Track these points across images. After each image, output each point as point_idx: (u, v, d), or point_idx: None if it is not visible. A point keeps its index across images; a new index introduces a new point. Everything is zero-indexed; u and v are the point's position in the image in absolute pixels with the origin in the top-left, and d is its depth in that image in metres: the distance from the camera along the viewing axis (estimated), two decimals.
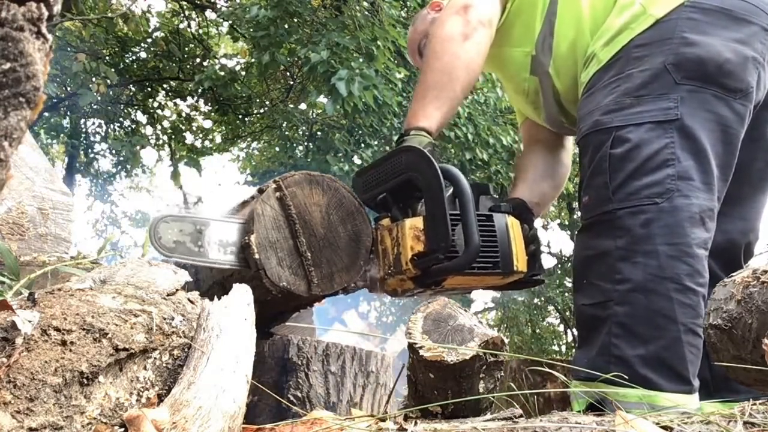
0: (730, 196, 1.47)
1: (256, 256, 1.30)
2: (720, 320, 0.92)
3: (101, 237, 16.64)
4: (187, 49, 9.40)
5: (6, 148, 0.45)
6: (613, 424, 0.81)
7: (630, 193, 1.38)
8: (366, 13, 6.57)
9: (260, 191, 1.37)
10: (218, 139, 10.92)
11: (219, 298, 0.93)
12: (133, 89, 9.76)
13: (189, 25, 9.71)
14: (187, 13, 9.63)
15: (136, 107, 10.25)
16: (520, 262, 1.47)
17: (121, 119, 10.26)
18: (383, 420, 0.99)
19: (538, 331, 11.77)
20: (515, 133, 7.19)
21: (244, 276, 1.33)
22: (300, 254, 1.35)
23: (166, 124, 10.54)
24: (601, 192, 1.43)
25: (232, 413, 0.76)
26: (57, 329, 0.75)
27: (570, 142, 2.00)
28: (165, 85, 10.03)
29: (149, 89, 9.81)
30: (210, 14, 9.60)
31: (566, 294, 10.18)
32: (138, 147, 8.57)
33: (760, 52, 1.43)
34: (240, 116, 9.61)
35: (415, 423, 1.02)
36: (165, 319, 0.87)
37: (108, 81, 7.26)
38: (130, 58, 9.23)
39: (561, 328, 12.10)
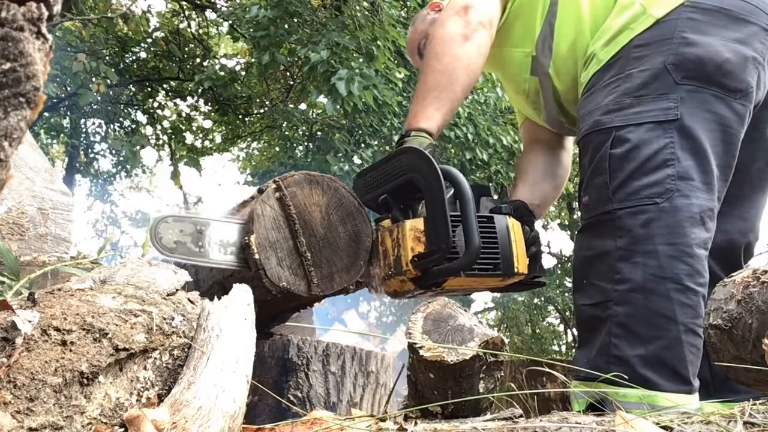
0: (730, 196, 1.47)
1: (256, 256, 1.30)
2: (720, 320, 0.92)
3: (101, 237, 16.65)
4: (187, 49, 9.40)
5: (6, 148, 0.45)
6: (613, 424, 0.81)
7: (630, 193, 1.38)
8: (366, 13, 6.58)
9: (260, 191, 1.37)
10: (218, 139, 10.92)
11: (219, 298, 0.93)
12: (133, 89, 9.77)
13: (189, 25, 9.71)
14: (187, 13, 9.63)
15: (136, 107, 10.25)
16: (520, 263, 1.47)
17: (121, 119, 10.26)
18: (383, 420, 0.99)
19: (538, 331, 11.77)
20: (515, 133, 7.19)
21: (244, 276, 1.33)
22: (300, 254, 1.35)
23: (166, 124, 10.54)
24: (601, 192, 1.43)
25: (232, 413, 0.76)
26: (57, 329, 0.75)
27: (570, 142, 2.00)
28: (165, 85, 10.03)
29: (149, 89, 9.81)
30: (210, 14, 9.61)
31: (566, 294, 10.18)
32: (138, 147, 8.57)
33: (759, 52, 1.43)
34: (240, 116, 9.61)
35: (415, 423, 1.02)
36: (165, 319, 0.87)
37: (108, 81, 7.26)
38: (130, 58, 9.23)
39: (561, 328, 12.10)
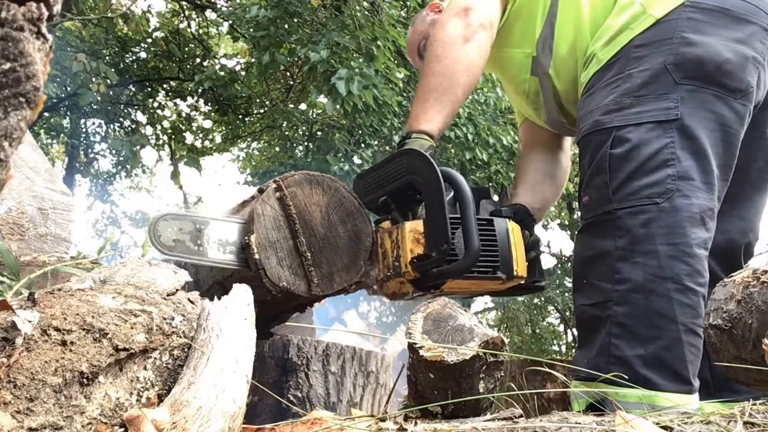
0: (730, 195, 1.47)
1: (256, 256, 1.30)
2: (720, 320, 0.92)
3: (101, 237, 16.66)
4: (187, 49, 9.40)
5: (6, 148, 0.45)
6: (613, 424, 0.81)
7: (630, 193, 1.38)
8: (366, 12, 6.57)
9: (260, 191, 1.37)
10: (218, 139, 10.92)
11: (219, 298, 0.93)
12: (133, 89, 9.76)
13: (189, 25, 9.71)
14: (187, 13, 9.63)
15: (136, 107, 10.25)
16: (520, 267, 1.47)
17: (121, 119, 10.26)
18: (383, 420, 0.99)
19: (538, 331, 11.76)
20: (515, 133, 7.19)
21: (244, 276, 1.33)
22: (300, 254, 1.35)
23: (166, 124, 10.54)
24: (602, 192, 1.43)
25: (232, 413, 0.76)
26: (57, 329, 0.75)
27: (568, 143, 2.01)
28: (165, 85, 10.03)
29: (149, 89, 9.81)
30: (210, 14, 9.61)
31: (566, 294, 10.18)
32: (138, 147, 8.57)
33: (760, 51, 1.43)
34: (240, 116, 9.61)
35: (415, 423, 1.02)
36: (165, 319, 0.87)
37: (108, 81, 7.25)
38: (130, 58, 9.23)
39: (561, 328, 12.10)
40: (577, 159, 1.64)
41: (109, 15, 7.85)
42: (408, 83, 6.97)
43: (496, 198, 1.60)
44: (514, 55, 1.73)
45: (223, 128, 10.32)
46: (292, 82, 8.84)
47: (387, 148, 7.40)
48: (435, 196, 1.38)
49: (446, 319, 1.16)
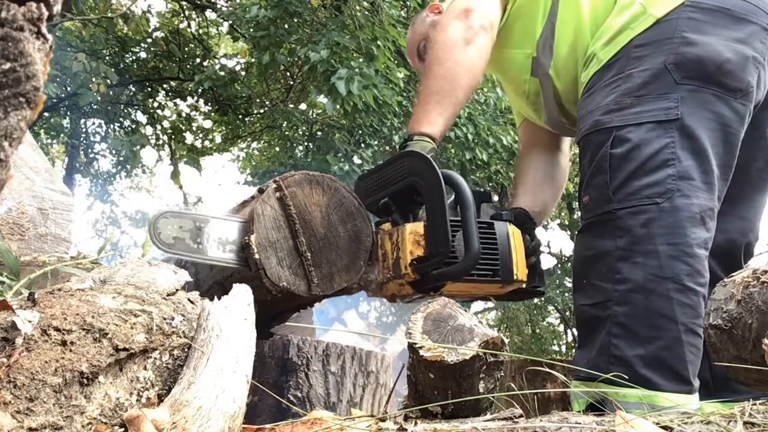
0: (730, 195, 1.47)
1: (256, 256, 1.30)
2: (720, 320, 0.92)
3: (101, 237, 16.66)
4: (187, 49, 9.40)
5: (6, 148, 0.45)
6: (613, 424, 0.81)
7: (630, 193, 1.38)
8: (366, 12, 6.57)
9: (260, 191, 1.37)
10: (218, 139, 10.92)
11: (219, 298, 0.93)
12: (133, 89, 9.76)
13: (189, 25, 9.71)
14: (187, 13, 9.63)
15: (136, 107, 10.25)
16: (520, 271, 1.47)
17: (121, 119, 10.26)
18: (383, 420, 0.99)
19: (538, 331, 11.76)
20: (515, 133, 7.18)
21: (244, 276, 1.33)
22: (300, 254, 1.35)
23: (166, 124, 10.54)
24: (602, 192, 1.43)
25: (232, 413, 0.76)
26: (57, 329, 0.75)
27: (567, 145, 2.01)
28: (165, 85, 10.03)
29: (149, 89, 9.81)
30: (210, 14, 9.61)
31: (566, 294, 10.18)
32: (138, 147, 8.57)
33: (760, 51, 1.43)
34: (240, 116, 9.61)
35: (415, 423, 1.02)
36: (165, 319, 0.87)
37: (108, 81, 7.26)
38: (130, 58, 9.23)
39: (561, 328, 12.09)
40: (577, 159, 1.64)
41: (109, 15, 7.85)
42: (408, 83, 6.97)
43: (496, 198, 1.60)
44: (514, 56, 1.73)
45: (223, 128, 10.32)
46: (292, 82, 8.84)
47: (387, 148, 7.40)
48: (436, 199, 1.38)
49: (446, 319, 1.16)
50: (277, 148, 9.31)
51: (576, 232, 1.66)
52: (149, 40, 9.22)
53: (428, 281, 1.40)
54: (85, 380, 0.73)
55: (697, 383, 1.31)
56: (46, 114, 9.56)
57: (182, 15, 9.63)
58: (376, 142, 7.44)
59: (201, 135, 10.90)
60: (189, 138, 10.73)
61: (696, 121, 1.39)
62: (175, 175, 10.55)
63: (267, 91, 8.63)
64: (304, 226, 1.37)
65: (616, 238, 1.38)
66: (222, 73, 7.55)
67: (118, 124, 10.41)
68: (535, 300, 11.23)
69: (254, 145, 11.06)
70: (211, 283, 1.52)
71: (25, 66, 0.45)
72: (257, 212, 1.33)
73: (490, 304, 12.57)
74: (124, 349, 0.79)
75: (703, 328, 1.12)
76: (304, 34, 6.46)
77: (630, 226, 1.37)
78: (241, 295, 0.96)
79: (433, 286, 1.41)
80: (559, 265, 11.38)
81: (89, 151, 11.43)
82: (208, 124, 10.72)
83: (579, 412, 1.26)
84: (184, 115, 10.60)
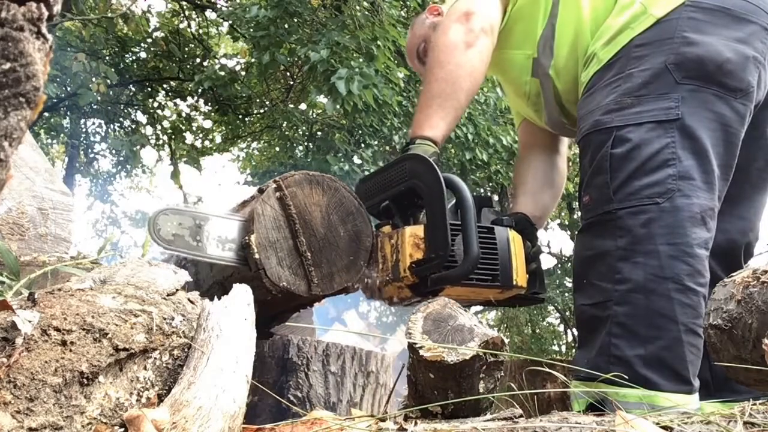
0: (730, 195, 1.47)
1: (256, 255, 1.30)
2: (720, 320, 0.92)
3: (101, 237, 16.66)
4: (187, 49, 9.40)
5: (6, 148, 0.45)
6: (613, 424, 0.81)
7: (631, 192, 1.38)
8: (366, 12, 6.57)
9: (260, 191, 1.37)
10: (218, 139, 10.92)
11: (219, 298, 0.93)
12: (133, 89, 9.76)
13: (189, 25, 9.71)
14: (187, 13, 9.63)
15: (136, 107, 10.25)
16: (519, 276, 1.47)
17: (121, 119, 10.26)
18: (383, 420, 0.99)
19: (538, 331, 11.76)
20: (515, 133, 7.17)
21: (244, 276, 1.33)
22: (300, 254, 1.35)
23: (166, 124, 10.54)
24: (602, 192, 1.43)
25: (232, 413, 0.76)
26: (57, 329, 0.75)
27: (565, 146, 2.01)
28: (165, 85, 10.03)
29: (149, 89, 9.81)
30: (210, 14, 9.61)
31: (566, 294, 10.17)
32: (138, 147, 8.57)
33: (760, 51, 1.43)
34: (240, 116, 9.61)
35: (415, 423, 1.02)
36: (165, 319, 0.87)
37: (108, 81, 7.26)
38: (130, 58, 9.23)
39: (561, 328, 12.09)
40: (577, 159, 1.64)
41: (109, 15, 7.84)
42: (408, 83, 6.97)
43: (496, 198, 1.60)
44: (515, 57, 1.73)
45: (223, 128, 10.32)
46: (292, 82, 8.84)
47: (387, 148, 7.40)
48: (436, 202, 1.38)
49: (446, 319, 1.16)
50: (277, 148, 9.31)
51: (576, 232, 1.66)
52: (149, 40, 9.22)
53: (427, 285, 1.40)
54: (85, 380, 0.73)
55: (697, 383, 1.31)
56: (46, 114, 9.56)
57: (182, 15, 9.63)
58: (376, 142, 7.44)
59: (201, 135, 10.91)
60: (189, 138, 10.74)
61: (696, 121, 1.39)
62: (175, 175, 10.55)
63: (267, 91, 8.63)
64: (304, 226, 1.37)
65: (617, 238, 1.38)
66: (222, 73, 7.55)
67: (118, 124, 10.41)
68: None
69: (254, 145, 11.06)
70: (211, 283, 1.52)
71: (25, 66, 0.45)
72: (257, 212, 1.33)
73: None
74: (124, 349, 0.78)
75: (703, 328, 1.12)
76: (304, 34, 6.46)
77: (630, 226, 1.37)
78: (241, 295, 0.96)
79: (431, 290, 1.41)
80: (559, 265, 11.38)
81: (89, 151, 11.44)
82: (208, 124, 10.73)
83: (579, 412, 1.26)
84: (184, 115, 10.61)
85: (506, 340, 1.17)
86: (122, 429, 0.74)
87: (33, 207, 1.74)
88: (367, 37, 6.10)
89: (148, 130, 10.44)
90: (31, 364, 0.70)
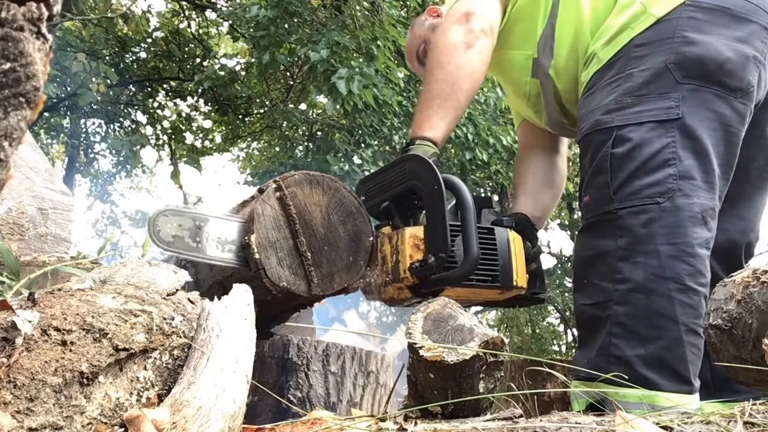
0: (731, 195, 1.47)
1: (256, 255, 1.30)
2: (720, 320, 0.92)
3: (101, 237, 16.67)
4: (187, 49, 9.40)
5: (6, 148, 0.45)
6: (613, 424, 0.81)
7: (631, 192, 1.38)
8: (366, 12, 6.57)
9: (260, 191, 1.37)
10: (218, 139, 10.92)
11: (219, 298, 0.93)
12: (133, 89, 9.76)
13: (189, 25, 9.71)
14: (187, 13, 9.63)
15: (136, 107, 10.25)
16: (519, 277, 1.47)
17: (121, 119, 10.26)
18: (383, 420, 0.99)
19: (538, 331, 11.75)
20: (515, 133, 7.17)
21: (244, 276, 1.33)
22: (300, 254, 1.35)
23: (166, 124, 10.54)
24: (603, 191, 1.43)
25: (232, 413, 0.75)
26: (57, 329, 0.75)
27: (565, 147, 2.01)
28: (165, 85, 10.03)
29: (149, 89, 9.81)
30: (210, 14, 9.61)
31: (566, 294, 10.17)
32: (138, 147, 8.57)
33: (760, 51, 1.43)
34: (240, 116, 9.61)
35: (415, 423, 1.02)
36: (165, 319, 0.87)
37: (108, 81, 7.26)
38: (130, 58, 9.23)
39: (561, 328, 12.09)
40: (577, 159, 1.64)
41: (109, 15, 7.84)
42: (408, 83, 6.97)
43: (496, 198, 1.60)
44: (515, 57, 1.73)
45: (223, 128, 10.31)
46: (292, 82, 8.84)
47: (387, 147, 7.39)
48: (436, 202, 1.38)
49: (446, 319, 1.16)
50: (277, 148, 9.31)
51: (576, 232, 1.66)
52: (149, 40, 9.22)
53: (427, 285, 1.40)
54: (85, 380, 0.73)
55: (697, 383, 1.31)
56: (46, 114, 9.56)
57: (182, 15, 9.63)
58: (376, 142, 7.43)
59: (201, 135, 10.90)
60: (189, 138, 10.74)
61: (697, 121, 1.39)
62: (175, 175, 10.55)
63: (267, 91, 8.63)
64: (304, 226, 1.37)
65: (617, 238, 1.38)
66: (222, 73, 7.54)
67: (118, 124, 10.41)
68: None
69: (254, 145, 11.06)
70: (211, 283, 1.52)
71: (25, 66, 0.45)
72: (257, 212, 1.33)
73: None
74: (124, 349, 0.78)
75: (703, 328, 1.12)
76: (304, 34, 6.45)
77: (631, 226, 1.36)
78: (241, 295, 0.96)
79: (431, 291, 1.41)
80: (559, 265, 11.38)
81: (89, 151, 11.44)
82: (208, 124, 10.73)
83: (579, 412, 1.26)
84: (184, 115, 10.60)
85: (506, 340, 1.17)
86: (122, 429, 0.74)
87: (33, 207, 1.74)
88: (367, 37, 6.10)
89: (148, 130, 10.45)
90: (31, 364, 0.70)
